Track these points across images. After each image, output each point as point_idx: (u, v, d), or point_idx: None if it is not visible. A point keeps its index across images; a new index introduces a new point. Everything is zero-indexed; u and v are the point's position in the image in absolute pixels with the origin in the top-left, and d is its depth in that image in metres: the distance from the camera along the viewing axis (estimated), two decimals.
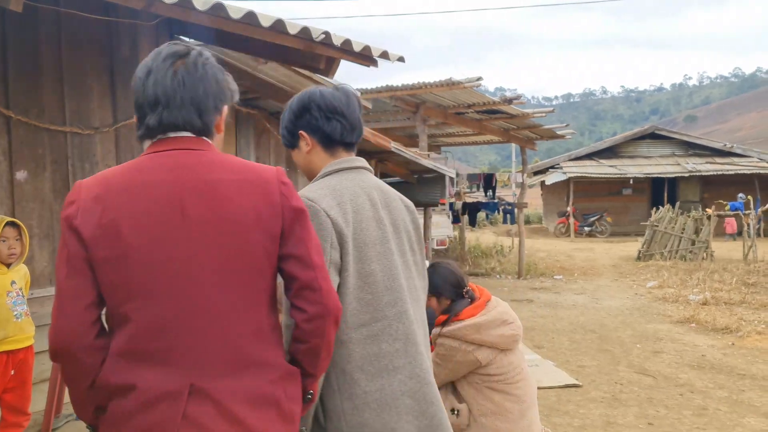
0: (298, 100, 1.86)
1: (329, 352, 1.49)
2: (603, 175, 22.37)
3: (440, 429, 1.74)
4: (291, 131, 1.86)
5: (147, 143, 1.44)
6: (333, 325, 1.44)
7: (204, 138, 1.43)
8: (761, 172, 21.66)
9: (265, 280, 1.38)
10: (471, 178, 27.95)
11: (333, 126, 1.82)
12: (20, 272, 3.31)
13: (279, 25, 3.49)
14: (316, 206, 1.65)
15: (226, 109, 1.51)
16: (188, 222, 1.31)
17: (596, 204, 23.24)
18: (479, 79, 8.71)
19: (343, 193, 1.73)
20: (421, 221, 10.33)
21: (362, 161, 1.90)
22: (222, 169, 1.38)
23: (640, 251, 14.76)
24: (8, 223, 3.17)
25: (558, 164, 24.11)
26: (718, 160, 22.94)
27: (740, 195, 19.89)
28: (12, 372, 3.20)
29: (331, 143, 1.84)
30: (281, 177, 1.44)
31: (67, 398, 3.49)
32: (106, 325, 1.34)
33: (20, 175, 3.95)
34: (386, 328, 1.70)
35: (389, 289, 1.72)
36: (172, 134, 1.40)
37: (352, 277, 1.66)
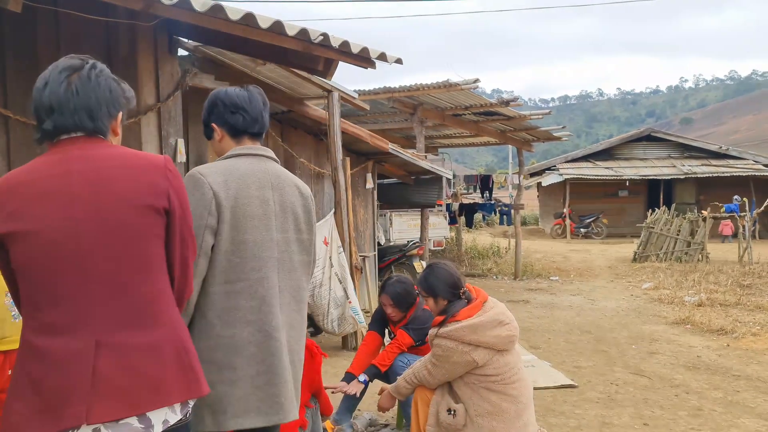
0: (209, 99, 2.28)
1: (188, 294, 1.79)
2: (599, 177, 22.43)
3: (276, 377, 2.06)
4: (206, 124, 2.27)
5: (46, 146, 1.65)
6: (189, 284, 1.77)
7: (98, 136, 1.65)
8: (756, 174, 21.74)
9: (153, 249, 1.61)
10: (468, 179, 28.00)
11: (236, 119, 2.21)
12: None
13: (277, 27, 3.51)
14: (202, 179, 2.05)
15: (120, 114, 1.76)
16: (77, 205, 1.53)
17: (592, 206, 23.29)
18: (476, 81, 8.74)
19: (232, 173, 2.10)
20: (408, 221, 10.34)
21: (265, 150, 2.27)
22: (109, 158, 1.62)
23: (635, 253, 14.80)
24: None
25: (554, 166, 24.16)
26: (713, 162, 23.01)
27: (736, 197, 19.94)
28: (9, 372, 3.20)
29: (236, 133, 2.22)
30: (168, 164, 1.67)
31: None
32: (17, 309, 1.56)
33: None
34: (247, 288, 2.05)
35: (257, 257, 2.07)
36: (65, 136, 1.61)
37: (225, 241, 2.03)
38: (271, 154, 2.29)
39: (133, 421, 1.51)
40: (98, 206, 1.55)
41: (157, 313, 1.61)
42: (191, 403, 1.65)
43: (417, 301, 3.83)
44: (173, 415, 1.58)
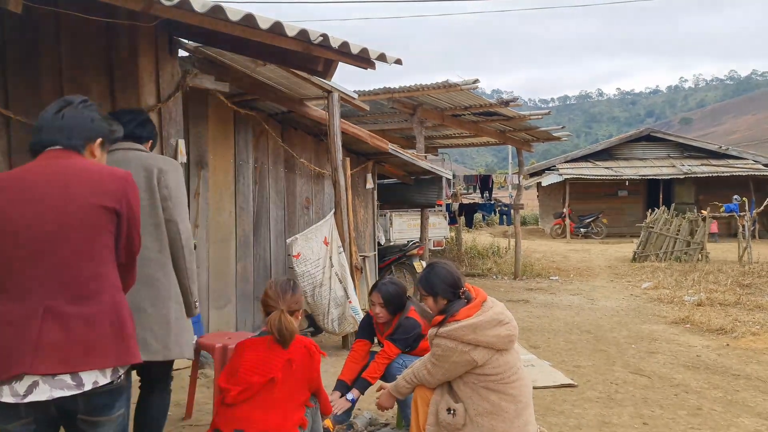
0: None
1: (132, 279, 2.23)
2: (599, 177, 22.43)
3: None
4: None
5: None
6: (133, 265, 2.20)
7: (71, 151, 2.07)
8: (756, 174, 21.75)
9: (101, 241, 1.99)
10: (468, 179, 28.02)
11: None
12: None
13: (277, 27, 3.51)
14: None
15: (99, 140, 2.18)
16: (42, 201, 1.94)
17: (592, 205, 23.30)
18: (476, 81, 8.74)
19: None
20: (408, 221, 10.35)
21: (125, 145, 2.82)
22: (74, 168, 2.03)
23: (635, 252, 14.81)
24: None
25: (554, 166, 24.16)
26: (713, 162, 23.02)
27: (735, 197, 19.95)
28: None
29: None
30: (128, 177, 2.09)
31: None
32: None
33: None
34: None
35: None
36: (42, 150, 2.06)
37: None
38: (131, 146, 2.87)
39: (67, 377, 1.83)
40: (57, 203, 1.94)
41: (98, 291, 1.96)
42: (121, 370, 1.96)
43: (404, 307, 3.83)
44: (103, 378, 1.89)
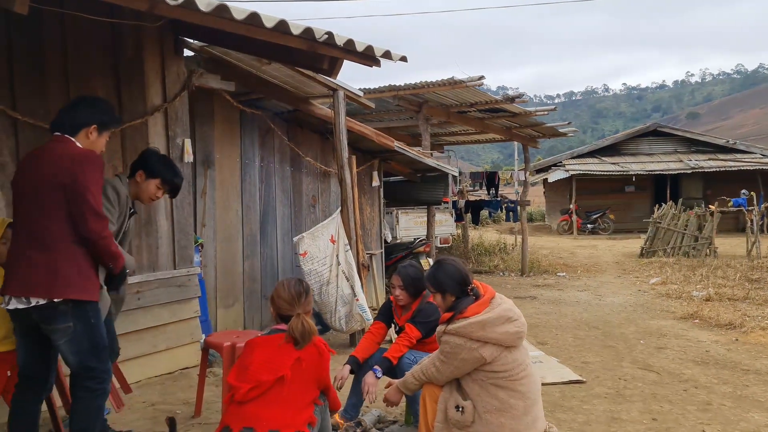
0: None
1: (109, 256, 2.97)
2: (605, 173, 22.34)
3: None
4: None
5: None
6: (98, 242, 2.90)
7: (65, 136, 2.96)
8: (764, 168, 21.59)
9: (55, 205, 2.82)
10: (474, 176, 28.03)
11: None
12: None
13: (282, 26, 3.52)
14: None
15: (93, 127, 3.03)
16: (27, 174, 2.93)
17: (599, 201, 23.22)
18: (481, 78, 8.72)
19: None
20: (415, 219, 10.35)
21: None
22: (52, 149, 2.90)
23: (643, 248, 14.76)
24: (9, 225, 3.21)
25: (560, 162, 24.08)
26: (720, 156, 22.88)
27: (743, 191, 19.85)
28: (9, 373, 3.23)
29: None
30: (76, 157, 2.86)
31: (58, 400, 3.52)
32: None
33: None
34: None
35: None
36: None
37: None
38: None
39: (22, 298, 2.79)
40: (32, 175, 2.89)
41: (51, 243, 2.82)
42: (57, 300, 2.78)
43: (424, 292, 3.85)
44: (42, 301, 2.78)
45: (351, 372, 3.73)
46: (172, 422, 3.51)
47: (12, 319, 2.93)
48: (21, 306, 2.78)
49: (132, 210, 3.59)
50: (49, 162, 2.84)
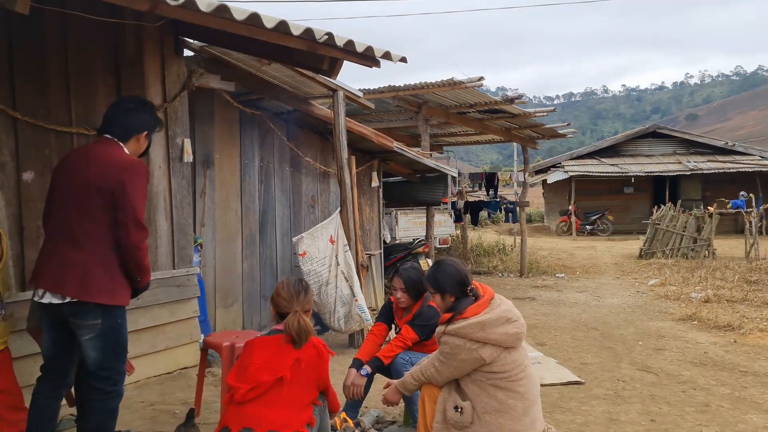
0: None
1: (140, 269, 3.01)
2: (604, 174, 22.35)
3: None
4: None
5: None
6: (135, 252, 2.95)
7: (114, 139, 3.03)
8: (763, 170, 21.61)
9: (102, 208, 2.87)
10: (473, 177, 28.01)
11: None
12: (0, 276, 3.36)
13: (282, 26, 3.52)
14: None
15: (144, 134, 3.15)
16: (70, 173, 2.96)
17: (598, 202, 23.24)
18: (481, 78, 8.73)
19: None
20: (414, 219, 10.35)
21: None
22: (101, 152, 2.95)
23: (641, 249, 14.77)
24: None
25: (560, 163, 24.10)
26: (719, 158, 22.89)
27: (742, 193, 19.88)
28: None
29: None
30: (129, 165, 2.93)
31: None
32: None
33: (27, 175, 3.98)
34: None
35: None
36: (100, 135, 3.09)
37: None
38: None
39: (57, 294, 2.85)
40: (76, 175, 2.92)
41: (88, 244, 2.87)
42: (86, 299, 2.85)
43: (425, 294, 3.85)
44: (74, 299, 2.84)
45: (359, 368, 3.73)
46: (190, 413, 3.56)
47: (43, 312, 3.00)
48: (55, 301, 2.85)
49: None
50: (96, 165, 2.89)
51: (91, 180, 2.85)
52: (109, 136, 3.00)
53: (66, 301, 2.84)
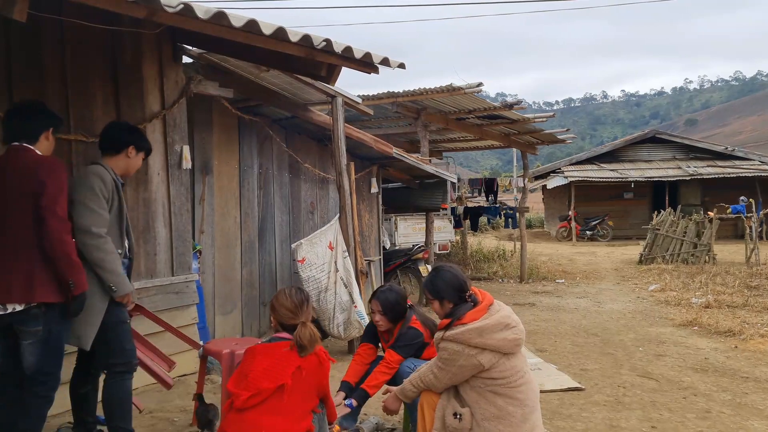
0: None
1: (70, 265, 2.98)
2: (604, 179, 22.37)
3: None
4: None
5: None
6: (57, 244, 2.95)
7: (23, 145, 3.08)
8: (762, 175, 21.63)
9: (27, 210, 2.94)
10: (472, 182, 28.02)
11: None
12: None
13: (280, 33, 3.52)
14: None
15: (50, 129, 3.20)
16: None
17: (598, 208, 23.23)
18: (480, 84, 8.73)
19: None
20: (413, 225, 10.34)
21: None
22: (13, 161, 3.04)
23: (641, 255, 14.75)
24: None
25: (559, 168, 24.10)
26: (719, 163, 22.91)
27: (742, 198, 19.87)
28: None
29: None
30: (41, 163, 3.01)
31: (61, 407, 3.51)
32: None
33: None
34: None
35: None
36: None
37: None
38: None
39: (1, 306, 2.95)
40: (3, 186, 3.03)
41: (21, 251, 2.95)
42: (32, 304, 2.95)
43: (405, 315, 3.81)
44: (19, 307, 2.94)
45: (345, 398, 3.70)
46: (200, 397, 3.61)
47: None
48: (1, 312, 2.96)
49: (123, 183, 3.51)
50: (13, 172, 3.06)
51: (13, 186, 2.98)
52: (17, 143, 3.07)
53: (8, 311, 2.94)
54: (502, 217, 28.26)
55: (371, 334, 4.01)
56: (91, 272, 3.15)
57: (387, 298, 3.79)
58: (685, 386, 5.02)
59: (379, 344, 4.01)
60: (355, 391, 3.70)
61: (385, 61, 4.18)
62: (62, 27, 4.13)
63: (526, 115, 10.52)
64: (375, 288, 4.04)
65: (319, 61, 4.12)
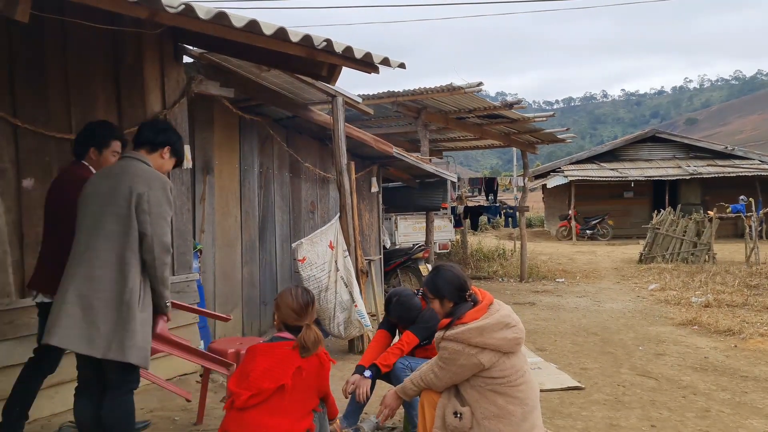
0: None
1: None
2: (604, 179, 22.37)
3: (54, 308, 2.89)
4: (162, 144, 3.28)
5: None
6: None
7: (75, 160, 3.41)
8: (762, 174, 21.64)
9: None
10: (473, 182, 28.07)
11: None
12: None
13: (281, 33, 3.53)
14: None
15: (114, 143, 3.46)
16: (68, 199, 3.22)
17: (598, 207, 23.24)
18: (480, 84, 8.75)
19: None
20: (414, 224, 10.35)
21: (130, 153, 3.14)
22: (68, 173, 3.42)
23: (641, 254, 14.77)
24: None
25: (559, 168, 24.11)
26: (719, 162, 22.92)
27: (742, 197, 19.88)
28: None
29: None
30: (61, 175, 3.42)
31: (63, 407, 3.51)
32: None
33: (27, 182, 3.99)
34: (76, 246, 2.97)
35: (85, 232, 2.95)
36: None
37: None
38: (136, 155, 3.08)
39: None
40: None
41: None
42: None
43: (423, 307, 3.85)
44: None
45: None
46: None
47: (39, 311, 3.31)
48: (47, 300, 3.17)
49: None
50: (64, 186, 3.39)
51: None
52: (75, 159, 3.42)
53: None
54: (502, 217, 28.27)
55: (388, 323, 4.07)
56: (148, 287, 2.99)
57: (399, 313, 3.91)
58: (685, 385, 5.04)
59: (396, 331, 4.05)
60: (370, 367, 3.74)
61: (386, 61, 4.19)
62: (64, 27, 4.14)
63: (526, 115, 10.53)
64: (375, 287, 4.07)
65: (319, 61, 4.12)
